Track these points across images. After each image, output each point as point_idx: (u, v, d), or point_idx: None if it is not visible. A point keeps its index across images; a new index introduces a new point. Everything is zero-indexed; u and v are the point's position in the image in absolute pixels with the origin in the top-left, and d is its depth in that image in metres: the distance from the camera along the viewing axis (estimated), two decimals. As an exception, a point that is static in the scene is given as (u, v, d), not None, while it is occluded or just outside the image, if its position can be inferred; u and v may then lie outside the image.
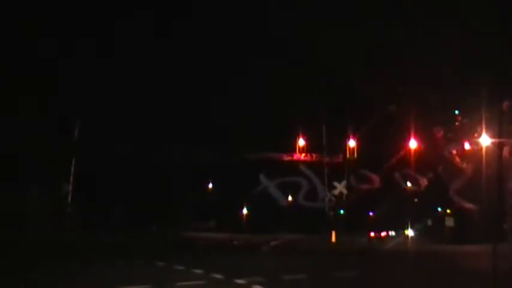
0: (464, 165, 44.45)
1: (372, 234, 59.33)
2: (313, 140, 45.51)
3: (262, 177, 57.29)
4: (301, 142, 44.35)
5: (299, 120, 45.14)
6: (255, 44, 45.36)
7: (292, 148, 44.89)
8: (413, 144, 43.33)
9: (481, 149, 40.11)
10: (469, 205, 43.83)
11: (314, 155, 51.04)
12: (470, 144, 42.88)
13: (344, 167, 47.82)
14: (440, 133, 45.73)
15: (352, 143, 44.55)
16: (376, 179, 49.83)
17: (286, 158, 54.43)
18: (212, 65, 45.27)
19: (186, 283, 13.40)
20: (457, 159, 45.51)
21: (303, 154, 52.15)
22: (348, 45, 41.00)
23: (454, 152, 45.64)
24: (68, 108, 41.25)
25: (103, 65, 41.89)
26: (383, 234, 61.80)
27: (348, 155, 45.11)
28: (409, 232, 60.95)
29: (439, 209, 52.14)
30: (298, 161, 53.08)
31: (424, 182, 49.84)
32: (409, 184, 50.19)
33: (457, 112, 45.12)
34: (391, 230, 62.72)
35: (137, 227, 46.16)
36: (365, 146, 44.23)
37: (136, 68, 43.24)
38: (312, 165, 51.88)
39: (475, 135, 40.61)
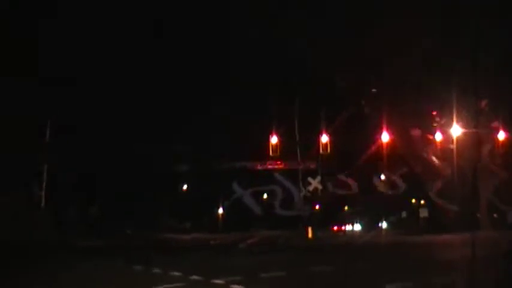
0: (441, 165, 44.79)
1: (335, 228, 60.00)
2: (286, 137, 45.38)
3: (235, 186, 57.15)
4: (274, 140, 44.14)
5: (271, 117, 45.04)
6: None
7: (265, 147, 44.63)
8: (385, 137, 43.49)
9: (452, 140, 40.77)
10: (450, 206, 44.13)
11: (288, 163, 51.10)
12: (441, 133, 43.39)
13: (317, 162, 47.95)
14: (417, 132, 46.09)
15: (325, 138, 44.57)
16: (353, 184, 50.14)
17: (260, 166, 54.44)
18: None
19: (165, 286, 13.32)
20: (435, 159, 45.88)
21: (277, 162, 52.19)
22: (324, 42, 41.25)
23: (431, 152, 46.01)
24: (39, 108, 40.69)
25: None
26: (345, 228, 62.58)
27: (321, 150, 45.12)
28: (383, 224, 61.72)
29: (413, 201, 52.71)
30: (273, 170, 53.15)
31: (402, 185, 50.21)
32: (386, 189, 50.41)
33: (434, 113, 45.48)
34: (357, 223, 63.24)
35: (112, 229, 45.82)
36: (338, 141, 44.29)
37: (111, 65, 43.01)
38: (287, 173, 51.92)
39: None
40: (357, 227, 63.37)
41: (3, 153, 38.13)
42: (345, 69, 43.14)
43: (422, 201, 50.32)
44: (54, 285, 14.24)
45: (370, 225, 57.90)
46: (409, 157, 47.58)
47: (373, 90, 46.06)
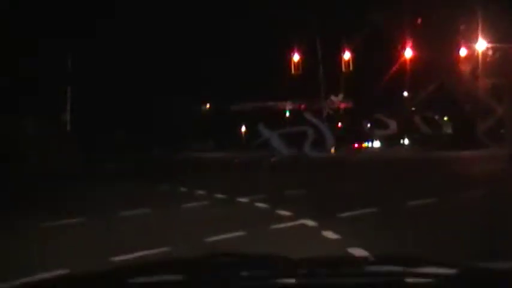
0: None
1: (356, 145, 60.49)
2: (308, 54, 44.90)
3: (261, 128, 56.60)
4: (295, 57, 43.75)
5: (292, 35, 44.41)
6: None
7: (287, 65, 44.21)
8: (408, 53, 42.71)
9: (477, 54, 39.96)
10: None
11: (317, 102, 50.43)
12: (466, 49, 42.38)
13: (340, 80, 47.57)
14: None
15: (347, 55, 44.01)
16: (392, 123, 49.38)
17: (288, 107, 53.91)
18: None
19: (190, 204, 13.57)
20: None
21: (304, 104, 51.62)
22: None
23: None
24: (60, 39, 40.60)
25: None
26: (364, 144, 63.08)
27: (343, 68, 44.65)
28: (405, 141, 61.98)
29: (437, 117, 52.32)
30: (300, 110, 52.58)
31: (446, 126, 49.36)
32: (428, 130, 49.61)
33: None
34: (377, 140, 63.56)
35: (138, 151, 46.44)
36: (360, 58, 43.62)
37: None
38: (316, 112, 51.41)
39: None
40: (376, 144, 63.82)
41: (30, 78, 38.47)
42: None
43: (445, 118, 49.94)
44: (83, 205, 14.53)
45: (391, 142, 58.05)
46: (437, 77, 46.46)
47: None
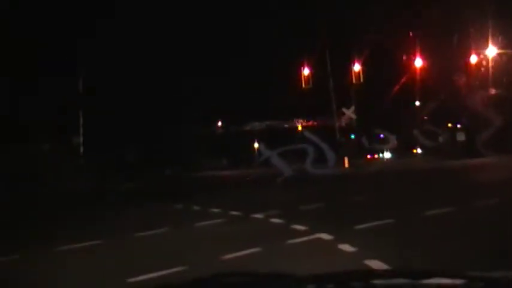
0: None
1: (369, 156, 60.67)
2: (318, 68, 44.98)
3: (262, 147, 56.93)
4: (306, 71, 43.87)
5: (302, 49, 44.62)
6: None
7: (297, 79, 44.33)
8: (418, 62, 42.70)
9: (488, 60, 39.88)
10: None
11: (315, 121, 50.65)
12: (477, 55, 42.25)
13: (350, 91, 47.56)
14: (461, 80, 44.35)
15: (357, 67, 44.06)
16: (391, 138, 49.47)
17: (288, 125, 54.08)
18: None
19: (204, 223, 13.54)
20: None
21: (304, 120, 51.74)
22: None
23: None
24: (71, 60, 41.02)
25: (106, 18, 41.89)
26: (376, 155, 63.28)
27: (353, 80, 44.68)
28: (418, 150, 61.98)
29: (449, 125, 52.05)
30: (301, 127, 52.69)
31: (445, 137, 49.35)
32: (427, 142, 49.69)
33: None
34: (387, 152, 63.73)
35: (150, 172, 46.57)
36: (370, 71, 43.71)
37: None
38: (316, 130, 51.42)
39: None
40: (387, 155, 63.99)
41: (41, 102, 38.79)
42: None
43: (458, 125, 49.62)
44: (97, 228, 14.58)
45: (402, 152, 58.10)
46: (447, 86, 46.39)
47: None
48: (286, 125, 55.69)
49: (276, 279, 2.53)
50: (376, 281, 2.23)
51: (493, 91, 40.64)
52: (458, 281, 2.19)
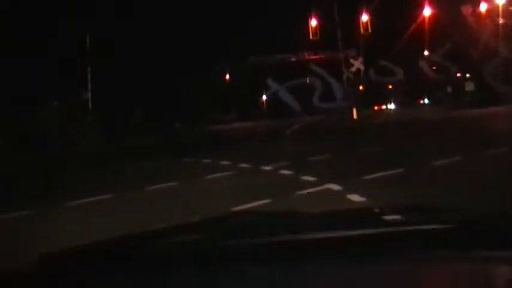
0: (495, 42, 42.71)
1: (376, 107, 60.56)
2: (326, 20, 44.46)
3: (270, 82, 56.06)
4: (313, 22, 43.30)
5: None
6: None
7: (305, 30, 43.86)
8: (427, 11, 42.14)
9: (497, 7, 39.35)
10: (505, 88, 42.60)
11: (322, 54, 49.97)
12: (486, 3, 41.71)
13: (359, 42, 47.12)
14: (467, 9, 43.98)
15: (365, 17, 43.48)
16: (398, 70, 48.92)
17: (295, 58, 53.15)
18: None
19: (215, 175, 13.63)
20: (488, 36, 43.61)
21: (312, 53, 51.00)
22: None
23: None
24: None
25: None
26: (383, 106, 63.20)
27: (361, 30, 44.12)
28: (425, 100, 61.77)
29: (458, 75, 51.75)
30: (308, 60, 51.86)
31: (451, 67, 48.90)
32: (433, 73, 49.25)
33: None
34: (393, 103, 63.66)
35: (159, 126, 46.66)
36: (378, 21, 43.18)
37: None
38: (323, 63, 50.76)
39: None
40: (392, 106, 63.92)
41: (51, 58, 38.79)
42: None
43: (467, 75, 49.27)
44: (108, 182, 14.73)
45: (409, 102, 57.93)
46: (456, 34, 46.01)
47: None
48: (293, 59, 55.04)
49: (290, 216, 2.58)
50: (388, 217, 2.28)
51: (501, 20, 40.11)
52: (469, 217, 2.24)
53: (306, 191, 10.26)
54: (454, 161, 12.28)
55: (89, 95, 42.88)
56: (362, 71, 47.34)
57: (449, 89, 52.56)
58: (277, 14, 47.40)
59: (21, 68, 36.17)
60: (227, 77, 60.46)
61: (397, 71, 49.18)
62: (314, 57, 51.41)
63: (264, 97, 61.85)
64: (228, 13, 50.24)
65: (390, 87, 59.78)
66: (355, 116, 42.75)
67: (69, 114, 39.45)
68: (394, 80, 49.95)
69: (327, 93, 49.97)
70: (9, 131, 36.29)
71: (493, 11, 40.78)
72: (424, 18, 43.10)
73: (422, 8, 42.58)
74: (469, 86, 46.69)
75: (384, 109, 63.57)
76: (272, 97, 56.37)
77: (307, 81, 52.29)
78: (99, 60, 41.96)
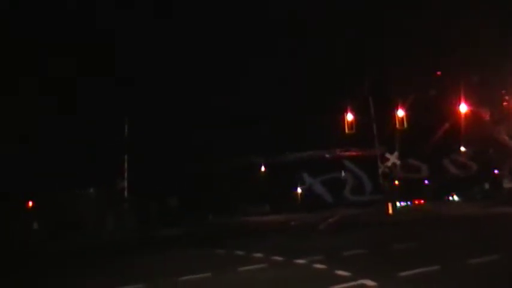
0: None
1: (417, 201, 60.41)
2: (361, 114, 44.94)
3: (305, 176, 57.06)
4: (349, 117, 43.72)
5: (346, 96, 44.83)
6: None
7: (341, 125, 44.33)
8: (463, 108, 42.36)
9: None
10: None
11: (353, 151, 50.72)
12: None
13: (395, 138, 47.18)
14: (487, 114, 44.66)
15: (401, 113, 43.78)
16: (424, 168, 49.23)
17: (328, 155, 54.26)
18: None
19: (247, 267, 13.53)
20: (507, 139, 44.42)
21: (343, 150, 51.83)
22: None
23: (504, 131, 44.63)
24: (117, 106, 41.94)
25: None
26: (422, 201, 62.87)
27: (397, 125, 44.33)
28: (455, 197, 61.48)
29: (496, 171, 51.23)
30: (341, 157, 52.80)
31: (473, 166, 49.13)
32: (456, 171, 49.63)
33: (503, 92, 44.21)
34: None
35: (193, 217, 46.76)
36: (412, 117, 43.61)
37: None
38: (355, 159, 51.48)
39: None
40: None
41: (88, 149, 39.66)
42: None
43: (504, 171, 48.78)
44: (143, 272, 14.72)
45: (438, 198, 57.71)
46: (478, 137, 46.37)
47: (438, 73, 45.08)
48: (327, 155, 55.71)
49: None
50: None
51: None
52: None
53: (339, 286, 10.10)
54: (491, 260, 12.02)
55: (125, 183, 43.36)
56: (398, 166, 47.11)
57: (486, 186, 51.97)
58: (314, 107, 48.16)
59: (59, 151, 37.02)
60: (262, 169, 60.74)
61: (422, 167, 49.28)
62: (345, 153, 51.96)
63: (299, 190, 61.88)
64: (267, 108, 51.27)
65: (426, 182, 59.48)
66: (390, 211, 42.30)
67: (106, 202, 39.93)
68: (419, 176, 50.08)
69: (357, 186, 50.16)
70: (47, 215, 36.80)
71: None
72: (460, 114, 43.32)
73: (458, 105, 42.96)
74: (508, 183, 46.10)
75: (420, 204, 63.06)
76: (307, 190, 56.69)
77: (342, 175, 52.64)
78: (137, 149, 42.73)
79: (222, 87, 51.14)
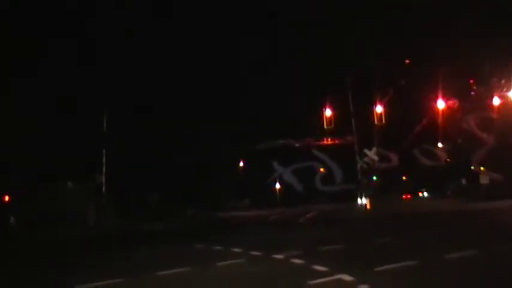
0: (485, 135, 44.01)
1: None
2: (340, 110, 45.13)
3: (275, 165, 57.35)
4: (328, 112, 43.89)
5: (324, 92, 45.01)
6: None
7: (319, 120, 44.49)
8: (441, 104, 42.74)
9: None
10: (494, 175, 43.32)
11: (331, 139, 50.91)
12: (499, 98, 42.25)
13: (373, 134, 47.42)
14: (455, 104, 45.14)
15: (379, 109, 44.04)
16: (394, 157, 49.67)
17: (299, 144, 54.43)
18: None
19: (226, 262, 13.57)
20: (477, 129, 45.06)
21: (314, 139, 52.09)
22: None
23: (472, 122, 45.23)
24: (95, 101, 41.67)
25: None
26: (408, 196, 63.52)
27: (375, 121, 44.57)
28: (425, 193, 62.11)
29: (472, 167, 51.67)
30: (312, 147, 53.04)
31: (443, 155, 49.67)
32: (426, 161, 50.19)
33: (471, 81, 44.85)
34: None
35: (173, 212, 46.63)
36: (390, 112, 43.92)
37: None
38: (329, 149, 51.75)
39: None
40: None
41: (68, 143, 39.39)
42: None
43: (482, 168, 49.16)
44: (121, 266, 14.69)
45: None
46: (455, 131, 46.91)
47: (406, 61, 45.51)
48: (297, 144, 55.85)
49: None
50: None
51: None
52: None
53: (316, 281, 10.17)
54: (469, 255, 12.17)
55: (103, 178, 43.07)
56: (376, 161, 47.37)
57: (463, 181, 52.46)
58: (295, 103, 48.39)
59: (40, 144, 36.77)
60: (241, 164, 60.84)
61: (392, 157, 49.72)
62: (316, 142, 52.18)
63: (278, 186, 62.02)
64: (245, 99, 51.29)
65: (404, 178, 59.91)
66: (367, 207, 42.58)
67: (86, 197, 39.73)
68: (389, 166, 50.53)
69: (327, 176, 50.58)
70: (25, 208, 36.55)
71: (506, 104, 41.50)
72: (437, 111, 43.68)
73: (435, 100, 43.29)
74: (484, 179, 46.49)
75: (406, 199, 63.65)
76: (279, 179, 57.08)
77: (313, 166, 53.02)
78: (115, 144, 42.48)
79: (222, 87, 51.01)
